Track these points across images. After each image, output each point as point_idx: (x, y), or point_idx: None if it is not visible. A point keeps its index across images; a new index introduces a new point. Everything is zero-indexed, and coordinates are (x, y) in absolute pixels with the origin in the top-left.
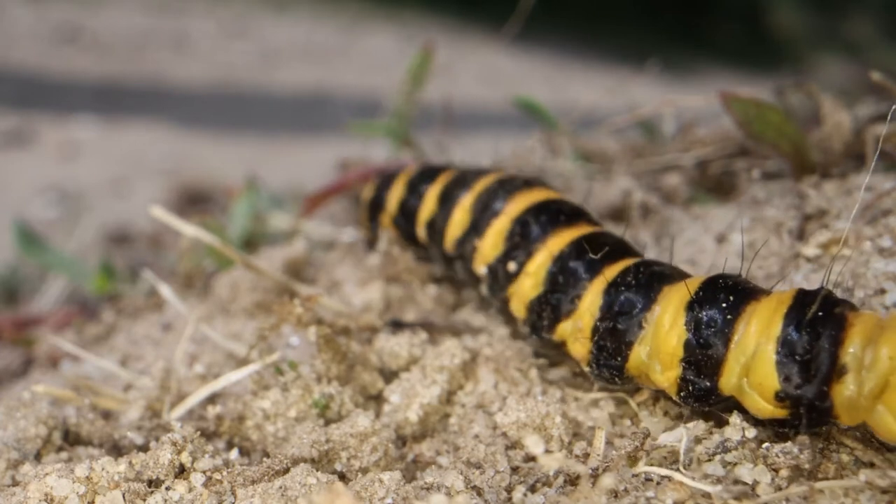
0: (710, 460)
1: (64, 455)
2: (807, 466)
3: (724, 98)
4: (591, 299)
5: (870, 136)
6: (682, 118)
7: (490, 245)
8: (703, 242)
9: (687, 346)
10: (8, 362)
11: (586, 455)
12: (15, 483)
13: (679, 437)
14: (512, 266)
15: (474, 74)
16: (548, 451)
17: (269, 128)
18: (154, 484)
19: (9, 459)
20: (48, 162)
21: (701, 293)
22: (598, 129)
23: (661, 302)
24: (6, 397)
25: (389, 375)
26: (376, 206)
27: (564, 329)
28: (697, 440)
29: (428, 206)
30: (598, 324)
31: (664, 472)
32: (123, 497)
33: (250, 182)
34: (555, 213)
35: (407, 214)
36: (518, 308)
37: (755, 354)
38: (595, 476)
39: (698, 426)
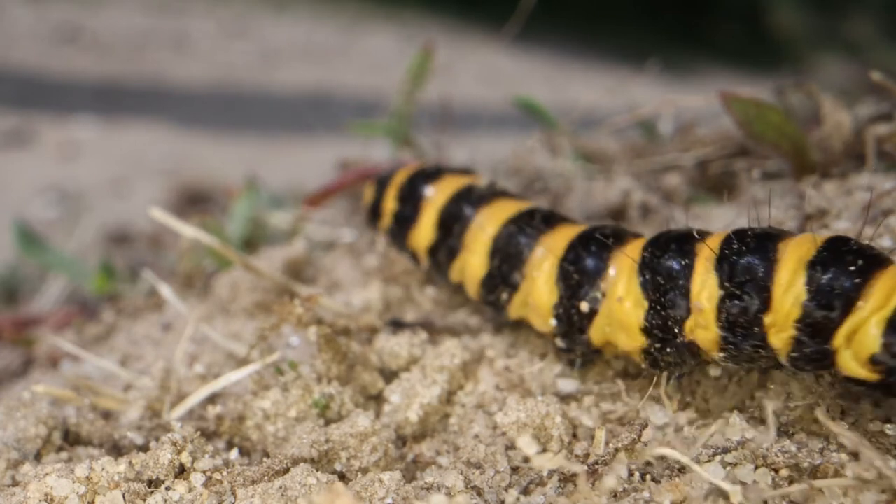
0: (710, 461)
1: (64, 455)
2: (806, 466)
3: (725, 98)
4: (702, 281)
5: (870, 136)
6: (682, 118)
7: (546, 293)
8: None
9: (805, 308)
10: (8, 362)
11: (586, 455)
12: (15, 483)
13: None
14: (585, 305)
15: (474, 74)
16: (543, 451)
17: (269, 128)
18: (154, 484)
19: (9, 459)
20: (48, 162)
21: (826, 254)
22: (598, 129)
23: (781, 262)
24: (6, 397)
25: (389, 375)
26: (375, 212)
27: (689, 328)
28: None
29: (425, 231)
30: (723, 299)
31: (677, 454)
32: (123, 497)
33: (250, 182)
34: (600, 239)
35: (401, 235)
36: (628, 342)
37: (865, 322)
38: (594, 476)
39: (698, 427)
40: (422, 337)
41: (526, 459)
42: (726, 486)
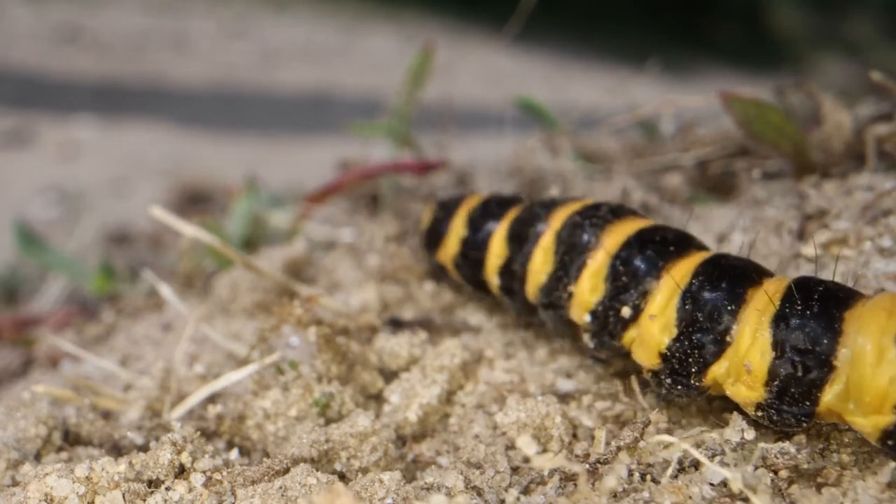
0: (710, 461)
1: (64, 455)
2: (806, 467)
3: (725, 98)
4: (753, 334)
5: (870, 136)
6: (682, 118)
7: (588, 289)
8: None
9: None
10: (8, 362)
11: (587, 455)
12: (15, 483)
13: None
14: (626, 311)
15: (474, 74)
16: (543, 451)
17: (269, 128)
18: (154, 484)
19: (9, 459)
20: (48, 162)
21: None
22: (599, 129)
23: (852, 327)
24: (6, 397)
25: (389, 375)
26: (433, 238)
27: (717, 373)
28: (697, 444)
29: (496, 249)
30: (777, 362)
31: (686, 446)
32: (123, 497)
33: (250, 182)
34: (662, 244)
35: (471, 259)
36: (647, 357)
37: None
38: (595, 476)
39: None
40: (421, 337)
41: (526, 459)
42: (727, 473)
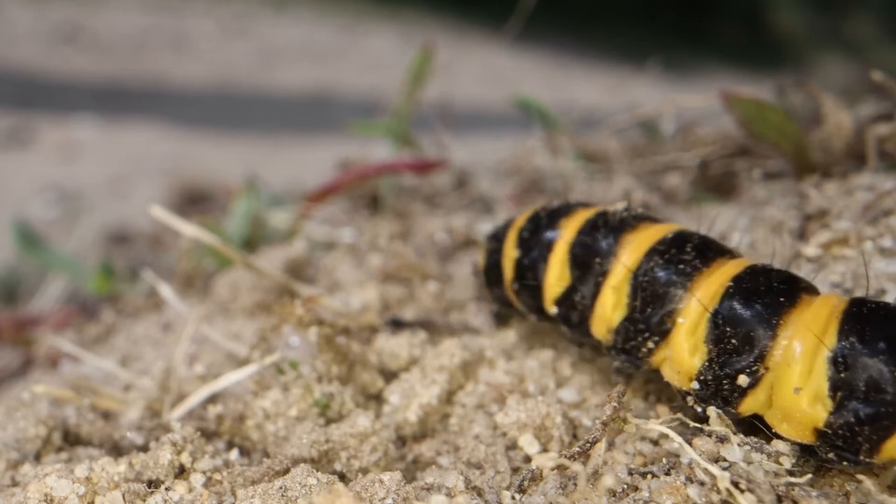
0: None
1: (64, 455)
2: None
3: (726, 98)
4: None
5: (871, 136)
6: (683, 118)
7: (688, 350)
8: None
9: None
10: (8, 362)
11: (587, 455)
12: (14, 483)
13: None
14: (743, 379)
15: (475, 74)
16: (544, 451)
17: (269, 128)
18: (154, 484)
19: (8, 460)
20: (48, 162)
21: None
22: (599, 129)
23: None
24: (6, 397)
25: (389, 376)
26: (492, 273)
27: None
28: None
29: (554, 274)
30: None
31: (673, 433)
32: (123, 497)
33: (250, 182)
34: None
35: (528, 286)
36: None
37: None
38: (595, 476)
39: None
40: (421, 337)
41: (528, 459)
42: (714, 469)
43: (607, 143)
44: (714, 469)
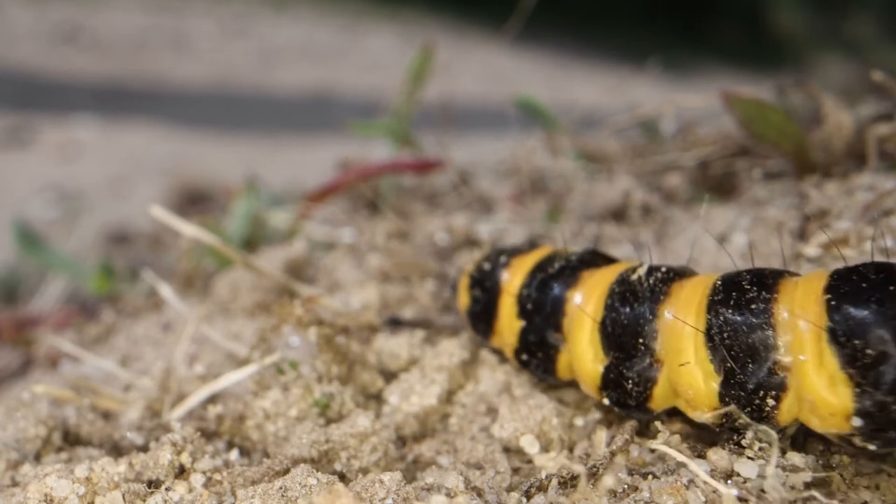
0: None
1: (64, 455)
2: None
3: (726, 98)
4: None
5: (871, 136)
6: (683, 118)
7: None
8: (703, 243)
9: None
10: (8, 362)
11: (587, 455)
12: (14, 483)
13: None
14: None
15: (475, 74)
16: (545, 451)
17: (268, 128)
18: (154, 485)
19: (8, 460)
20: (48, 162)
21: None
22: (599, 129)
23: None
24: (6, 397)
25: (389, 376)
26: (482, 319)
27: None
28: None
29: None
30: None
31: (676, 454)
32: (123, 498)
33: (250, 182)
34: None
35: (542, 352)
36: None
37: None
38: (595, 477)
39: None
40: (421, 336)
41: (530, 459)
42: (721, 487)
43: (607, 143)
44: (721, 487)
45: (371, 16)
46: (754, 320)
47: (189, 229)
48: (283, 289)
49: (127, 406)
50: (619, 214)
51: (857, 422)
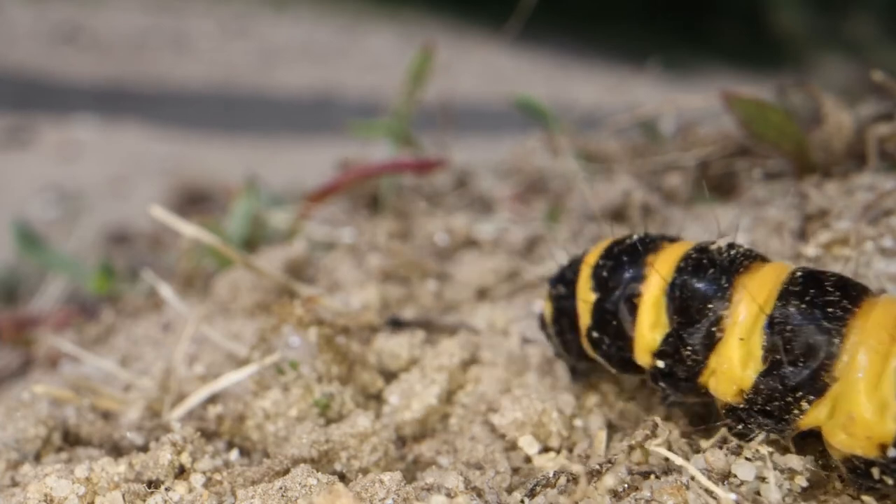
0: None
1: (63, 455)
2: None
3: (726, 98)
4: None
5: (871, 136)
6: (683, 118)
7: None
8: None
9: None
10: (7, 362)
11: (587, 455)
12: (14, 484)
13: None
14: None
15: (475, 74)
16: (545, 451)
17: (269, 128)
18: (154, 485)
19: (8, 460)
20: (48, 162)
21: None
22: (599, 129)
23: None
24: (6, 397)
25: (389, 376)
26: (561, 320)
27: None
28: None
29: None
30: None
31: (674, 456)
32: (123, 498)
33: (250, 182)
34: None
35: (609, 332)
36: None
37: None
38: (595, 476)
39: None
40: (421, 336)
41: (528, 459)
42: (719, 490)
43: (607, 143)
44: (718, 490)
45: (371, 16)
46: (827, 325)
47: (189, 229)
48: (283, 289)
49: (127, 406)
50: (619, 214)
51: (893, 452)
